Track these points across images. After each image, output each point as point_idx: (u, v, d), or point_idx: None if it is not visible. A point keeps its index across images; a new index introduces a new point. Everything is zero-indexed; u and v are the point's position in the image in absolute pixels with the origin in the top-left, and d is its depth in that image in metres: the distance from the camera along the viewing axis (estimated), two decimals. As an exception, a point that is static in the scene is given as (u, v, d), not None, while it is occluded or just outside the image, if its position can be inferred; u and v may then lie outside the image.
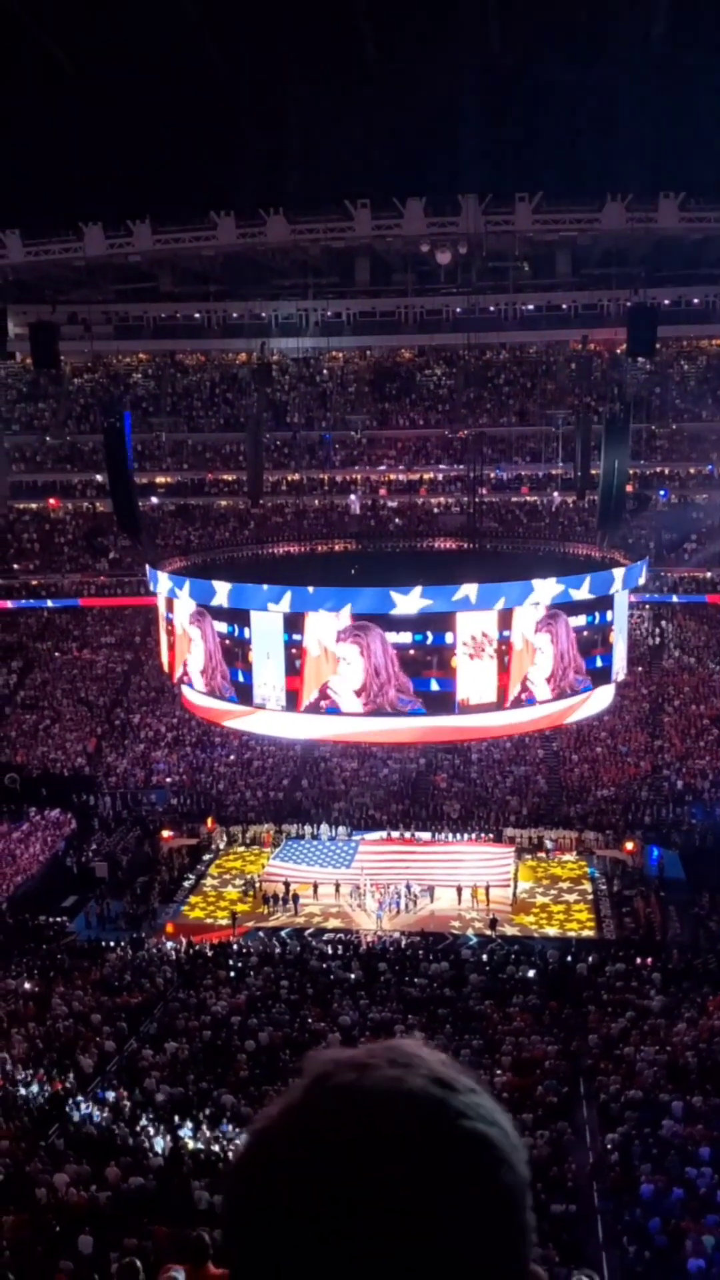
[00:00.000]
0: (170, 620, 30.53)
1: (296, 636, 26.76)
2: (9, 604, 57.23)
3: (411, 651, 26.53)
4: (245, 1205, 1.09)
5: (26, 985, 30.12)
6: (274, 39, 46.01)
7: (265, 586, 27.40)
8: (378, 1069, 1.12)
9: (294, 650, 26.81)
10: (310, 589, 27.03)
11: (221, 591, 27.74)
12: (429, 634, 26.44)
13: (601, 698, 30.93)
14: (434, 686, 26.51)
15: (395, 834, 42.57)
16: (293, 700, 27.11)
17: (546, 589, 26.90)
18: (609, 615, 29.12)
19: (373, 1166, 1.04)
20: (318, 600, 26.70)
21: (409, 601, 25.96)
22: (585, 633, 28.41)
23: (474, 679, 26.56)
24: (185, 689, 31.81)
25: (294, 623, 26.72)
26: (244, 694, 28.01)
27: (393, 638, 26.33)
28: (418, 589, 25.93)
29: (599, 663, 29.13)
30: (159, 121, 50.47)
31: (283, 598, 26.81)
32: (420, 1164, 1.05)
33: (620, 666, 30.51)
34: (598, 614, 28.74)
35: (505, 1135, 1.12)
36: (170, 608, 30.43)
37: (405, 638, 26.50)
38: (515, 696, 27.26)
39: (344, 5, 43.51)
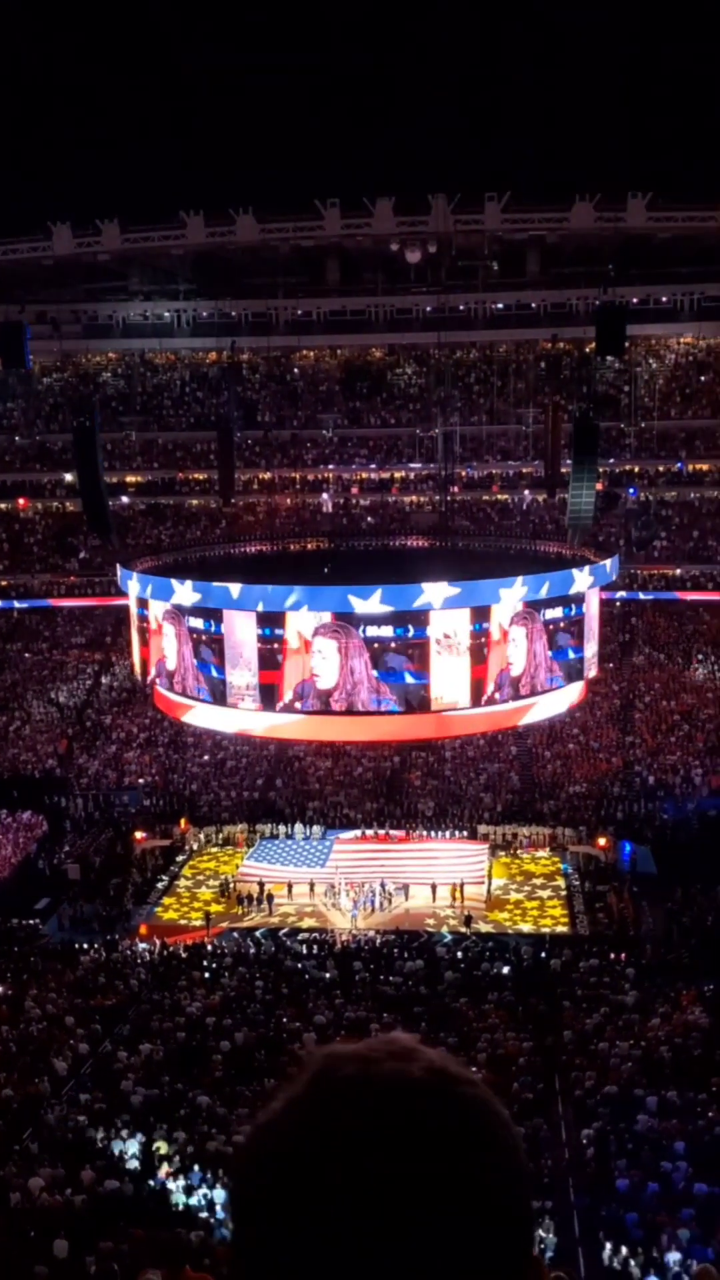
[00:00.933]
0: (144, 617, 30.40)
1: (278, 631, 26.66)
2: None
3: (393, 645, 26.47)
4: (253, 1200, 1.10)
5: (-1, 988, 29.94)
6: (243, 39, 45.93)
7: (227, 585, 27.26)
8: (379, 1062, 1.14)
9: (274, 645, 26.72)
10: (270, 587, 26.96)
11: (184, 590, 27.66)
12: (410, 628, 26.38)
13: (556, 701, 30.61)
14: (409, 680, 26.50)
15: (370, 832, 42.57)
16: (269, 695, 27.01)
17: (510, 591, 26.87)
18: (583, 608, 29.24)
19: (380, 1158, 1.06)
20: (277, 599, 26.60)
21: (368, 605, 25.90)
22: (562, 624, 28.47)
23: (447, 676, 26.56)
24: (158, 685, 31.63)
25: (273, 619, 26.61)
26: (217, 690, 27.93)
27: (374, 631, 26.26)
28: (378, 592, 25.84)
29: (571, 655, 29.21)
30: (128, 121, 50.36)
31: (242, 595, 26.73)
32: (427, 1154, 1.07)
33: (591, 663, 30.60)
34: (573, 606, 28.84)
35: (505, 1126, 1.16)
36: (144, 605, 30.30)
37: (387, 631, 26.44)
38: (489, 694, 27.31)
39: (315, 6, 43.49)
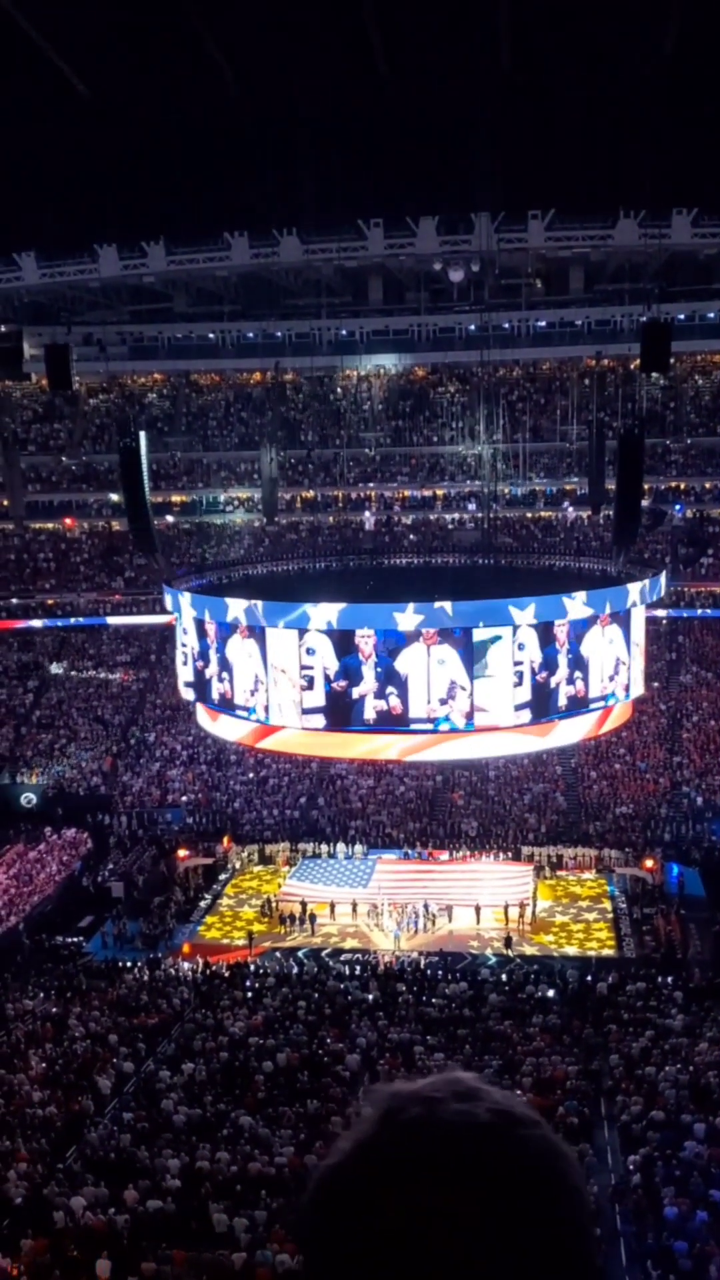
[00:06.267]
0: (201, 634, 30.30)
1: (338, 647, 26.42)
2: (26, 623, 57.38)
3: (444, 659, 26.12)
4: (325, 1241, 1.13)
5: (44, 1006, 30.00)
6: (286, 58, 46.18)
7: (277, 602, 27.14)
8: (444, 1103, 1.16)
9: (324, 662, 26.48)
10: (325, 605, 26.76)
11: (232, 608, 27.58)
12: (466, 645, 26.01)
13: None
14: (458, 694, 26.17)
15: (412, 853, 42.36)
16: (324, 712, 26.74)
17: (569, 605, 26.51)
18: (626, 632, 28.77)
19: (450, 1200, 1.08)
20: (333, 616, 26.40)
21: (405, 619, 25.67)
22: (612, 639, 28.00)
23: (499, 691, 26.16)
24: (201, 707, 31.55)
25: (332, 635, 26.37)
26: (263, 707, 27.80)
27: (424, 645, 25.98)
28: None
29: (617, 678, 28.74)
30: (172, 142, 50.74)
31: (296, 613, 26.57)
32: (496, 1197, 1.09)
33: (637, 684, 30.15)
34: (625, 629, 28.31)
35: (570, 1166, 1.17)
36: (192, 624, 30.24)
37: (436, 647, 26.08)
38: (541, 709, 26.92)
39: (356, 23, 43.66)
